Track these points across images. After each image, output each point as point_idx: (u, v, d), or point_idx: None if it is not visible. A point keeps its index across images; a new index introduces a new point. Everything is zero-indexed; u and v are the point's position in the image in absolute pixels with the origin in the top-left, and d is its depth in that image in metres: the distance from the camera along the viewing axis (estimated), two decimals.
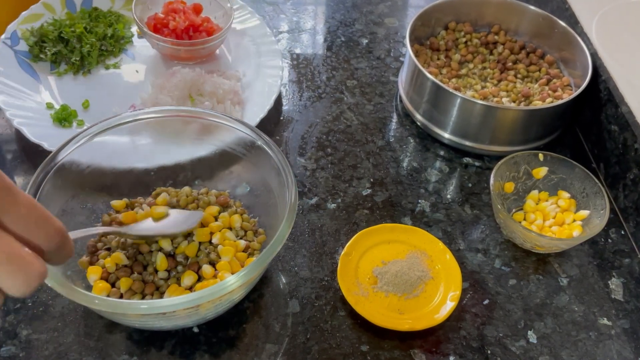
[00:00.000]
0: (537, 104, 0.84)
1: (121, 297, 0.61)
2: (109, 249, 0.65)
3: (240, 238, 0.67)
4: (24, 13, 0.91)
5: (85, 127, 0.65)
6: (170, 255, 0.64)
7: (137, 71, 0.92)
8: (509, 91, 0.88)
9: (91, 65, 0.90)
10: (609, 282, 0.71)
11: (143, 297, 0.62)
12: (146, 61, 0.94)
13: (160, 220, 0.65)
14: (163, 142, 0.70)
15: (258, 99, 0.87)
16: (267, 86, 0.88)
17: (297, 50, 1.01)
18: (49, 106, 0.83)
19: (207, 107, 0.82)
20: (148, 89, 0.88)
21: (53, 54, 0.88)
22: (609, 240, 0.75)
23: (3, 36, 0.88)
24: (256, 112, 0.84)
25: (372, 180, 0.80)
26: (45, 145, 0.75)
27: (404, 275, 0.67)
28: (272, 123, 0.87)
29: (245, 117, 0.84)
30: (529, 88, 0.88)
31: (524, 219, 0.75)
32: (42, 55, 0.88)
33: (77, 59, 0.89)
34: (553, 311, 0.68)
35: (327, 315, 0.66)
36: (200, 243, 0.64)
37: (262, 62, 0.93)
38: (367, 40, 1.04)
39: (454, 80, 0.90)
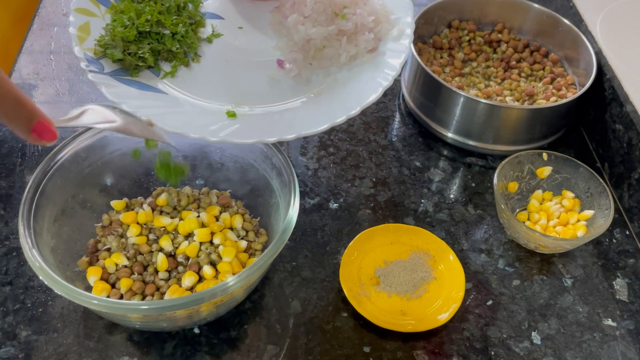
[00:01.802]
0: (541, 103, 0.83)
1: (121, 297, 0.61)
2: (109, 249, 0.65)
3: (242, 238, 0.67)
4: (71, 31, 0.66)
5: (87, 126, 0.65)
6: (170, 256, 0.64)
7: (240, 27, 0.74)
8: (513, 90, 0.87)
9: (194, 45, 0.71)
10: (614, 282, 0.71)
11: (143, 298, 0.62)
12: (230, 14, 0.76)
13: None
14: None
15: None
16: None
17: None
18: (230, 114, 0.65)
19: (365, 15, 0.69)
20: (267, 39, 0.73)
21: (149, 53, 0.67)
22: (614, 240, 0.75)
23: (83, 64, 0.64)
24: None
25: (374, 179, 0.80)
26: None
27: (406, 275, 0.67)
28: None
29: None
30: (533, 87, 0.87)
31: (528, 219, 0.74)
32: (139, 63, 0.67)
33: (177, 47, 0.69)
34: (557, 312, 0.67)
35: (329, 316, 0.65)
36: (201, 243, 0.64)
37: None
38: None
39: (457, 79, 0.89)
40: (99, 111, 0.55)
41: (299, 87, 0.69)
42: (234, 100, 0.66)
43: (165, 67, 0.68)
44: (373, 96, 0.65)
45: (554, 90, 0.86)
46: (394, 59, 0.69)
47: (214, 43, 0.73)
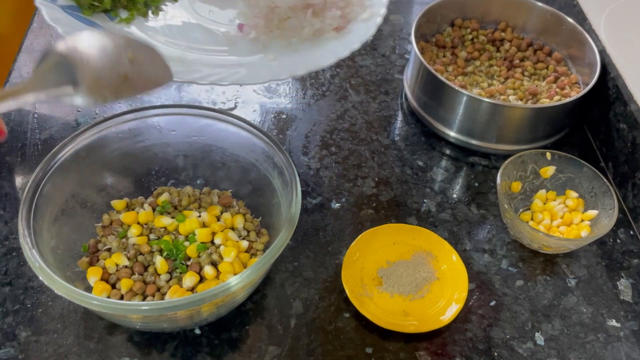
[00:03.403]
0: (545, 102, 0.83)
1: (122, 298, 0.61)
2: (109, 250, 0.64)
3: (243, 238, 0.66)
4: None
5: (87, 126, 0.64)
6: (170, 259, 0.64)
7: None
8: (516, 89, 0.87)
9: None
10: (618, 283, 0.70)
11: (144, 298, 0.61)
12: None
13: None
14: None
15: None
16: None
17: None
18: None
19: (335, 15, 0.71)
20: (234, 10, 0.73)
21: None
22: (618, 240, 0.74)
23: None
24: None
25: (376, 179, 0.79)
26: None
27: (409, 276, 0.67)
28: (274, 122, 0.86)
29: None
30: (537, 86, 0.87)
31: (532, 219, 0.74)
32: (95, 3, 0.66)
33: None
34: (561, 313, 0.67)
35: (331, 317, 0.65)
36: (202, 243, 0.64)
37: None
38: (371, 37, 1.03)
39: (460, 77, 0.89)
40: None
41: (255, 49, 0.69)
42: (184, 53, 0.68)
43: (124, 15, 0.69)
44: (326, 62, 0.66)
45: (557, 89, 0.85)
46: (358, 37, 0.70)
47: (179, 3, 0.74)
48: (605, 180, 0.71)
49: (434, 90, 0.82)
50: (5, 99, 0.42)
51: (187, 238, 0.65)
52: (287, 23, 0.70)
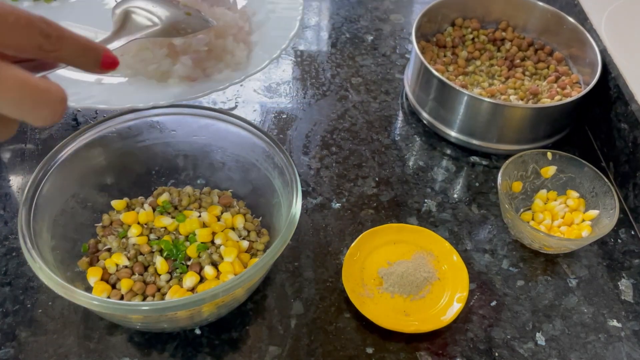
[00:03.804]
0: (546, 102, 0.83)
1: (122, 298, 0.61)
2: (109, 250, 0.64)
3: (243, 238, 0.66)
4: None
5: (87, 126, 0.64)
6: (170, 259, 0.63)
7: None
8: (517, 89, 0.86)
9: None
10: (619, 283, 0.70)
11: (144, 299, 0.61)
12: None
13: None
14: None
15: (270, 40, 0.70)
16: (283, 24, 0.71)
17: (301, 47, 1.00)
18: None
19: (202, 42, 0.67)
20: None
21: None
22: (619, 240, 0.74)
23: None
24: (265, 54, 0.68)
25: (377, 179, 0.79)
26: None
27: (409, 276, 0.66)
28: (275, 121, 0.86)
29: (253, 59, 0.69)
30: (537, 85, 0.87)
31: (532, 219, 0.74)
32: None
33: None
34: (562, 313, 0.67)
35: (331, 317, 0.65)
36: (202, 243, 0.63)
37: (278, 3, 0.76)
38: (372, 37, 1.03)
39: (460, 77, 0.89)
40: (139, 13, 0.54)
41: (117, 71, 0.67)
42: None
43: None
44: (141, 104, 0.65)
45: (558, 89, 0.85)
46: (184, 94, 0.68)
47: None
48: (606, 180, 0.71)
49: (434, 90, 0.82)
50: (113, 40, 0.50)
51: (187, 238, 0.64)
52: (142, 54, 0.66)
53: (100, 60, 0.43)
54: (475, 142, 0.82)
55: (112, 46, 0.50)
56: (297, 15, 0.68)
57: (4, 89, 0.34)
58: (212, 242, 0.64)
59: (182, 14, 0.58)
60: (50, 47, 0.37)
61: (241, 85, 0.91)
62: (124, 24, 0.52)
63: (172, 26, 0.55)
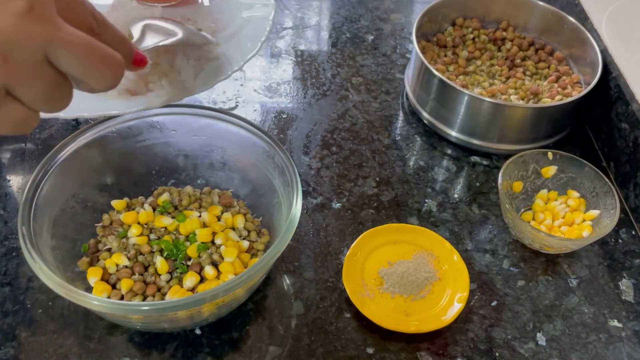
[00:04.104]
0: (546, 102, 0.82)
1: (122, 298, 0.60)
2: (109, 250, 0.64)
3: (244, 238, 0.66)
4: None
5: (87, 126, 0.64)
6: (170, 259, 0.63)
7: None
8: (518, 88, 0.86)
9: None
10: (620, 283, 0.70)
11: (144, 299, 0.61)
12: None
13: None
14: None
15: (236, 54, 0.64)
16: (250, 38, 0.65)
17: (302, 47, 1.00)
18: None
19: (147, 55, 0.61)
20: None
21: None
22: (620, 240, 0.74)
23: None
24: (212, 76, 0.62)
25: (377, 179, 0.79)
26: None
27: (410, 276, 0.66)
28: (275, 121, 0.86)
29: (201, 78, 0.62)
30: (538, 85, 0.87)
31: (533, 219, 0.74)
32: None
33: None
34: (562, 313, 0.67)
35: (332, 317, 0.65)
36: (202, 243, 0.63)
37: (252, 15, 0.70)
38: (372, 37, 1.03)
39: (461, 77, 0.89)
40: (157, 27, 0.55)
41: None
42: None
43: None
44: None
45: (559, 89, 0.85)
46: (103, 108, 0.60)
47: None
48: (606, 180, 0.71)
49: (435, 90, 0.82)
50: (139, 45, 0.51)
51: (187, 238, 0.64)
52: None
53: (132, 56, 0.45)
54: (475, 142, 0.82)
55: (141, 47, 0.51)
56: (262, 35, 0.65)
57: (74, 45, 0.35)
58: (213, 242, 0.64)
59: (195, 29, 0.59)
60: (98, 30, 0.40)
61: (241, 85, 0.91)
62: (144, 35, 0.53)
63: (188, 38, 0.56)
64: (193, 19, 0.67)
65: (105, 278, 0.62)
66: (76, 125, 0.82)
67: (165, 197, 0.68)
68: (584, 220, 0.71)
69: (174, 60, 0.60)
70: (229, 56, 0.63)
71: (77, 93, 0.41)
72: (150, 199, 0.69)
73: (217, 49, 0.63)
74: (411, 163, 0.82)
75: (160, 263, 0.62)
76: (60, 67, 0.35)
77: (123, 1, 0.66)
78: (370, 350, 0.62)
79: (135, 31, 0.53)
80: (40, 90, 0.35)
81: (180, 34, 0.55)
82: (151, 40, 0.52)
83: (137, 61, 0.45)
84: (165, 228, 0.65)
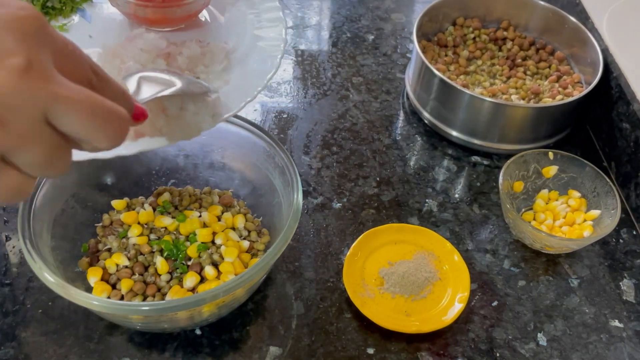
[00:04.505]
0: (547, 102, 0.82)
1: (122, 298, 0.60)
2: (109, 250, 0.64)
3: (244, 238, 0.66)
4: None
5: None
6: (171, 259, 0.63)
7: (90, 36, 0.68)
8: (518, 88, 0.86)
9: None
10: (620, 283, 0.70)
11: (144, 299, 0.61)
12: (107, 25, 0.70)
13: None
14: None
15: (247, 79, 0.64)
16: (262, 63, 0.65)
17: (302, 47, 0.99)
18: None
19: (176, 105, 0.59)
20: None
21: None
22: (621, 240, 0.74)
23: None
24: (241, 95, 0.61)
25: (378, 179, 0.79)
26: None
27: (411, 276, 0.66)
28: (275, 121, 0.86)
29: (228, 99, 0.62)
30: (539, 85, 0.86)
31: (534, 219, 0.73)
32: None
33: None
34: (563, 313, 0.67)
35: (332, 317, 0.65)
36: (202, 243, 0.63)
37: (261, 34, 0.69)
38: (373, 36, 1.03)
39: (462, 77, 0.89)
40: (153, 78, 0.52)
41: None
42: None
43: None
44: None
45: (560, 89, 0.85)
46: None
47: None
48: (607, 180, 0.70)
49: (435, 90, 0.82)
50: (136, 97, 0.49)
51: (187, 238, 0.64)
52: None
53: (132, 110, 0.41)
54: (476, 141, 0.82)
55: (139, 99, 0.49)
56: (261, 83, 0.62)
57: (76, 102, 0.33)
58: (213, 242, 0.64)
59: (193, 77, 0.57)
60: (97, 84, 0.37)
61: None
62: (140, 87, 0.50)
63: (187, 87, 0.54)
64: (204, 40, 0.66)
65: (105, 278, 0.61)
66: None
67: (165, 197, 0.68)
68: (584, 220, 0.71)
69: (182, 104, 0.59)
70: (236, 93, 0.62)
71: None
72: (151, 198, 0.69)
73: (225, 87, 0.62)
74: (412, 163, 0.82)
75: (160, 263, 0.61)
76: (61, 127, 0.33)
77: (140, 32, 0.63)
78: (370, 351, 0.62)
79: (131, 84, 0.49)
80: (39, 154, 0.32)
81: (179, 83, 0.52)
82: (149, 92, 0.49)
83: (137, 115, 0.42)
84: (166, 228, 0.65)
